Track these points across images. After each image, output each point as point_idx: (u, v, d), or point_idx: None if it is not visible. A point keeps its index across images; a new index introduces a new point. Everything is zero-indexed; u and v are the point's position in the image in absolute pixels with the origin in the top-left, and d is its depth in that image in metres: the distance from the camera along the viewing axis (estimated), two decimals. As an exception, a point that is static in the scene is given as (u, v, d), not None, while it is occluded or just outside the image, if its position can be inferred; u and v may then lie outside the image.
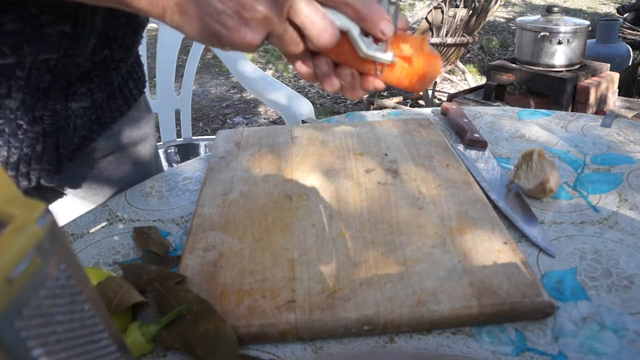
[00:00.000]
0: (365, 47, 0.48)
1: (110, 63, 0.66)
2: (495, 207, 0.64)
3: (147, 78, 0.80)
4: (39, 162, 0.63)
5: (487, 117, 0.94)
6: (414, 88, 0.51)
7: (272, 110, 3.45)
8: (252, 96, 3.61)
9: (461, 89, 3.65)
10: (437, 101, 3.54)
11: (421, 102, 3.55)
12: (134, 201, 0.71)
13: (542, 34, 2.56)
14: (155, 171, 0.84)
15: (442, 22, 3.22)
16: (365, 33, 0.48)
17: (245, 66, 1.61)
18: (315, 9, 0.45)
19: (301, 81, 4.19)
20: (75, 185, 0.75)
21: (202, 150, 1.73)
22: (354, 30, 0.47)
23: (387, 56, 0.49)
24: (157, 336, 0.46)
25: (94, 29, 0.59)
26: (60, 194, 0.76)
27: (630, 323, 0.47)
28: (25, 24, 0.53)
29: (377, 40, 0.48)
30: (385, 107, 3.32)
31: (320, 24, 0.45)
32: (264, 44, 0.47)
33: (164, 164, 1.69)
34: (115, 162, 0.77)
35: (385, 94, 3.79)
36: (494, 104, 2.75)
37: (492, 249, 0.54)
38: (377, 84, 0.52)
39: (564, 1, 6.72)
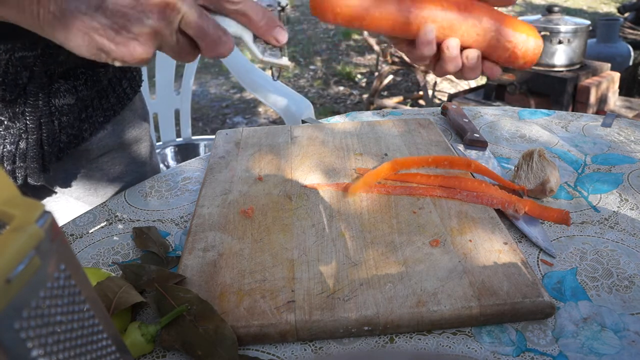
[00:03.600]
0: (260, 54, 0.48)
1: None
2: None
3: (142, 78, 0.80)
4: (24, 159, 0.63)
5: (488, 117, 0.94)
6: (523, 67, 0.53)
7: (272, 110, 3.45)
8: (252, 96, 3.61)
9: (461, 89, 3.65)
10: (437, 101, 3.54)
11: (421, 101, 3.55)
12: (133, 201, 0.71)
13: (542, 33, 2.56)
14: (151, 172, 0.83)
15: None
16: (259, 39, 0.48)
17: (245, 66, 1.61)
18: (207, 21, 0.43)
19: (301, 81, 4.20)
20: (68, 184, 0.74)
21: (201, 150, 1.73)
22: (247, 38, 0.47)
23: (282, 61, 0.50)
24: (157, 336, 0.46)
25: None
26: (55, 193, 0.76)
27: (631, 323, 0.47)
28: None
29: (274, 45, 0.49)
30: (385, 107, 3.32)
31: (213, 36, 0.44)
32: (155, 55, 0.46)
33: (163, 163, 1.69)
34: (110, 162, 0.76)
35: (385, 94, 3.79)
36: (494, 103, 2.75)
37: (492, 249, 0.54)
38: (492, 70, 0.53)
39: (565, 1, 6.72)
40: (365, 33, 3.63)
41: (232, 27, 0.46)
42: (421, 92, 3.46)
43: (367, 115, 0.98)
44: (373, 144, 0.79)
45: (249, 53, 0.49)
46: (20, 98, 0.59)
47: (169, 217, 0.67)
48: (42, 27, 0.41)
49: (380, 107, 3.36)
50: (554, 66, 2.61)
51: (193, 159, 0.83)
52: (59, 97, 0.62)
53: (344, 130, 0.84)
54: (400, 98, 3.59)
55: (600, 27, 3.40)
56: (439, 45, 0.51)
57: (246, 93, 3.84)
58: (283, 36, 0.47)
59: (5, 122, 0.59)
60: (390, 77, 3.67)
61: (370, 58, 4.52)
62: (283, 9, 0.49)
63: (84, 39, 0.41)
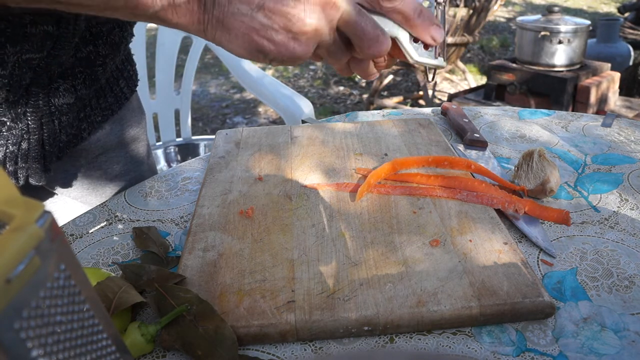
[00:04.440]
0: (417, 54, 0.47)
1: (96, 59, 0.65)
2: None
3: (139, 77, 0.80)
4: (26, 160, 0.63)
5: (488, 117, 0.94)
6: None
7: (272, 110, 3.45)
8: (252, 96, 3.61)
9: (461, 89, 3.65)
10: (437, 101, 3.54)
11: (421, 101, 3.55)
12: (133, 201, 0.71)
13: (542, 33, 2.56)
14: (149, 171, 0.84)
15: (442, 21, 3.21)
16: (414, 39, 0.47)
17: (245, 66, 1.61)
18: (366, 18, 0.43)
19: (301, 81, 4.20)
20: (67, 185, 0.74)
21: (201, 150, 1.73)
22: (403, 37, 0.46)
23: (438, 62, 0.48)
24: (157, 336, 0.46)
25: (77, 29, 0.58)
26: (53, 194, 0.76)
27: (631, 323, 0.47)
28: (7, 23, 0.52)
29: (426, 45, 0.47)
30: (385, 107, 3.32)
31: (372, 34, 0.43)
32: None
33: (164, 163, 1.69)
34: (109, 161, 0.76)
35: (385, 94, 3.79)
36: (494, 103, 2.75)
37: (492, 249, 0.54)
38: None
39: (565, 1, 6.72)
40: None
41: (388, 26, 0.45)
42: (421, 92, 3.46)
43: (367, 115, 0.98)
44: (373, 144, 0.79)
45: (404, 54, 0.47)
46: (22, 99, 0.59)
47: (169, 217, 0.67)
48: (206, 31, 0.42)
49: (380, 107, 3.36)
50: (554, 66, 2.61)
51: (193, 159, 0.83)
52: (59, 96, 0.62)
53: (344, 130, 0.84)
54: (400, 98, 3.59)
55: (600, 27, 3.40)
56: None
57: (246, 93, 3.84)
58: (439, 35, 0.46)
59: (8, 123, 0.60)
60: (390, 77, 3.67)
61: (370, 58, 4.51)
62: (440, 4, 0.48)
63: (244, 39, 0.41)
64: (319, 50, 0.45)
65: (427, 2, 0.48)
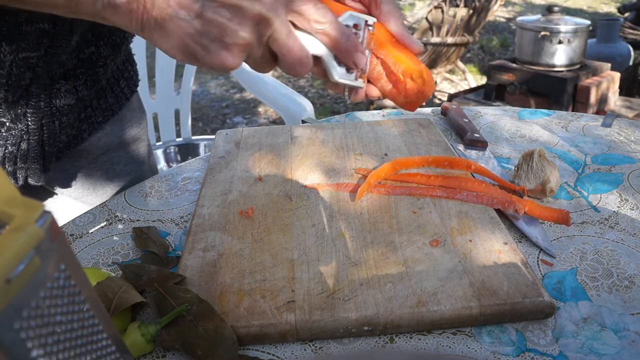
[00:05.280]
0: (337, 75, 0.50)
1: (97, 60, 0.65)
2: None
3: (139, 77, 0.80)
4: (25, 160, 0.63)
5: (488, 117, 0.94)
6: (403, 106, 0.55)
7: (272, 110, 3.45)
8: (252, 96, 3.61)
9: (461, 89, 3.66)
10: (437, 101, 3.54)
11: (421, 101, 3.54)
12: (133, 201, 0.71)
13: (542, 33, 2.56)
14: (149, 171, 0.83)
15: (442, 21, 3.22)
16: (339, 60, 0.50)
17: (245, 66, 1.61)
18: (294, 40, 0.46)
19: (301, 81, 4.19)
20: (67, 185, 0.74)
21: (201, 150, 1.73)
22: (327, 58, 0.49)
23: (358, 83, 0.52)
24: (157, 336, 0.46)
25: (75, 28, 0.58)
26: (53, 194, 0.76)
27: (631, 323, 0.47)
28: (2, 22, 0.52)
29: (349, 68, 0.51)
30: (385, 107, 3.32)
31: (296, 55, 0.46)
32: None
33: (164, 163, 1.69)
34: (109, 162, 0.76)
35: (386, 93, 3.78)
36: (494, 103, 2.75)
37: (492, 249, 0.54)
38: (371, 92, 0.55)
39: (565, 1, 6.72)
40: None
41: (315, 45, 0.48)
42: (421, 92, 3.45)
43: (367, 115, 0.98)
44: (373, 144, 0.79)
45: (327, 72, 0.51)
46: (22, 99, 0.59)
47: (169, 217, 0.67)
48: (144, 31, 0.44)
49: (380, 107, 3.36)
50: (554, 66, 2.61)
51: (193, 159, 0.83)
52: (60, 97, 0.62)
53: (344, 130, 0.84)
54: (400, 98, 3.59)
55: (600, 27, 3.40)
56: None
57: (246, 93, 3.84)
58: (361, 61, 0.50)
59: (7, 124, 0.60)
60: (390, 77, 3.66)
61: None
62: (370, 25, 0.51)
63: (179, 42, 0.44)
64: (247, 61, 0.48)
65: (355, 25, 0.50)
